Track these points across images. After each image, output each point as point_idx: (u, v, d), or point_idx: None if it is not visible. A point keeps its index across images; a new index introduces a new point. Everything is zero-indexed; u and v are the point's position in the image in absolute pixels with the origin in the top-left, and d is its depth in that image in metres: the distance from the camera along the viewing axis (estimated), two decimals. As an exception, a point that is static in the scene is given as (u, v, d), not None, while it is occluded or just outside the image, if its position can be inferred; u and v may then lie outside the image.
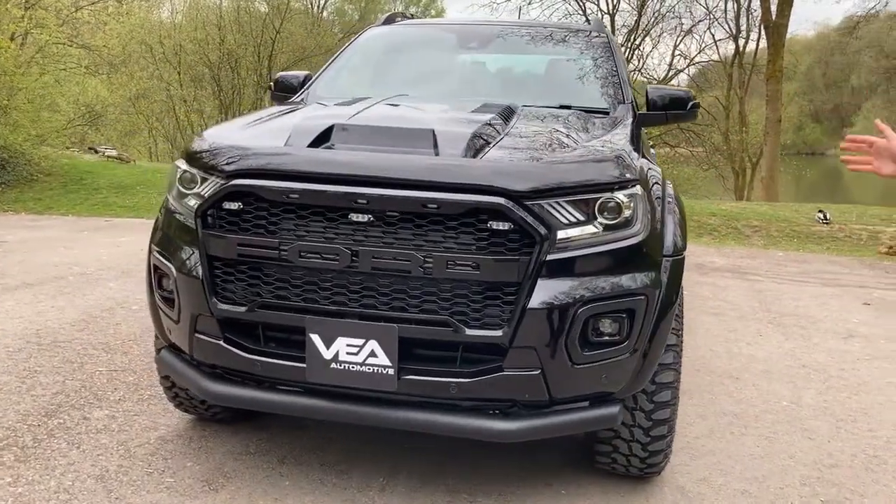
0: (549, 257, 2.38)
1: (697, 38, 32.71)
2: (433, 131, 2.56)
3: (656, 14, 26.07)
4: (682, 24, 27.14)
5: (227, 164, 2.58)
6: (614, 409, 2.60)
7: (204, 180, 2.68)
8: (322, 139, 2.59)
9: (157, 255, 2.81)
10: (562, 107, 3.56)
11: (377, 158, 2.45)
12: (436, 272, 2.36)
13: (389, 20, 4.63)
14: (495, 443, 3.24)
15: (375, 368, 2.42)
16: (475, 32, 4.33)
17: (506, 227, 2.36)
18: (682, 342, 2.90)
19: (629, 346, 2.53)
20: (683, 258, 2.76)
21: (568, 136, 2.87)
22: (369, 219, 2.41)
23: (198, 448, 3.25)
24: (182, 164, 2.82)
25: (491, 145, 2.61)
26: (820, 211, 11.85)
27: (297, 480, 3.01)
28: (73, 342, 4.60)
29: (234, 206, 2.53)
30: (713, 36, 28.36)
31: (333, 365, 2.44)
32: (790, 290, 7.29)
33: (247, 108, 30.83)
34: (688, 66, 28.33)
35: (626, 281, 2.51)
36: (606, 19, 25.56)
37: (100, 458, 3.11)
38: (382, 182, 2.40)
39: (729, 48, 29.49)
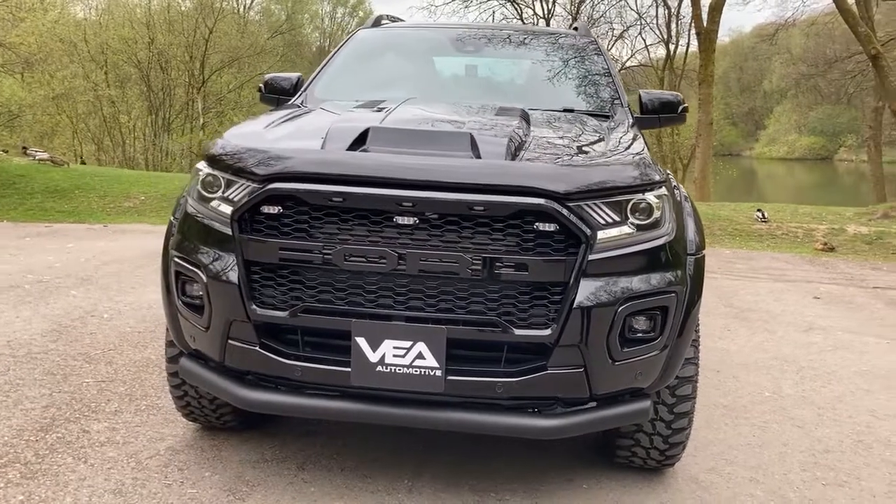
0: (592, 257, 2.44)
1: (629, 42, 33.65)
2: (471, 135, 2.59)
3: (590, 18, 26.68)
4: (614, 28, 27.91)
5: (261, 167, 2.54)
6: (646, 404, 2.69)
7: (231, 183, 2.63)
8: (358, 142, 2.59)
9: (180, 261, 2.74)
10: (565, 110, 3.63)
11: (423, 161, 2.46)
12: (484, 273, 2.39)
13: (377, 22, 4.63)
14: (516, 442, 3.33)
15: (423, 370, 2.43)
16: (468, 36, 4.38)
17: (552, 229, 2.41)
18: (699, 337, 3.01)
19: (661, 343, 2.62)
20: (704, 256, 2.87)
21: (589, 139, 2.94)
22: (415, 221, 2.42)
23: (212, 457, 3.18)
24: (204, 167, 2.76)
25: (526, 148, 2.65)
26: (758, 210, 12.37)
27: (322, 486, 2.98)
28: (49, 353, 4.41)
29: (273, 210, 2.50)
30: (644, 40, 29.28)
31: (379, 368, 2.44)
32: (745, 287, 7.60)
33: (177, 110, 30.04)
34: (620, 69, 29.07)
35: (658, 279, 2.60)
36: (542, 23, 26.00)
37: (112, 472, 3.01)
38: (428, 185, 2.42)
39: (660, 52, 30.47)
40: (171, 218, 3.04)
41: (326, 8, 63.26)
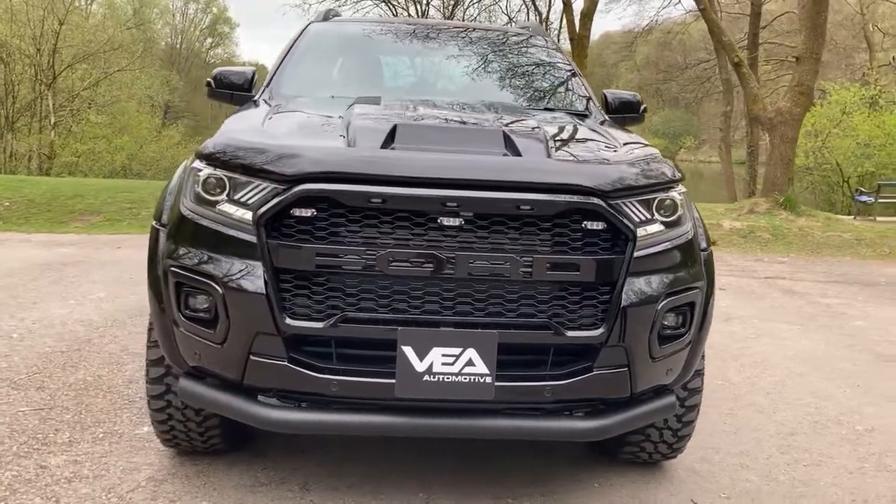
0: (636, 255, 2.43)
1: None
2: (503, 131, 2.51)
3: (463, 21, 27.07)
4: (486, 32, 28.41)
5: (285, 166, 2.33)
6: (673, 399, 2.72)
7: (243, 185, 2.40)
8: (388, 140, 2.44)
9: (181, 271, 2.47)
10: (546, 109, 3.62)
11: (467, 159, 2.35)
12: (536, 275, 2.32)
13: (327, 16, 4.42)
14: (517, 446, 3.28)
15: (473, 378, 2.32)
16: (430, 32, 4.27)
17: (600, 227, 2.38)
18: None
19: (688, 338, 2.66)
20: (712, 252, 2.94)
21: (600, 138, 2.94)
22: (460, 222, 2.31)
23: (202, 485, 2.90)
24: (203, 167, 2.50)
25: (555, 146, 2.60)
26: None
27: (335, 507, 2.80)
28: (-38, 380, 3.88)
29: (306, 213, 2.30)
30: (513, 45, 29.99)
31: (427, 377, 2.31)
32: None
33: (23, 106, 27.57)
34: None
35: (687, 275, 2.63)
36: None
37: (93, 511, 2.68)
38: (475, 184, 2.31)
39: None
40: (156, 224, 2.74)
41: (178, 3, 60.44)
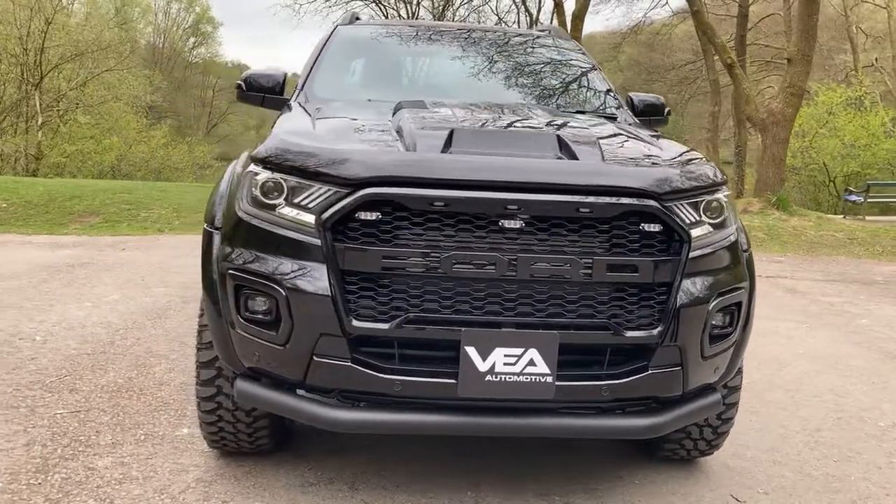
0: (691, 255, 2.49)
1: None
2: (557, 135, 2.56)
3: (453, 21, 27.14)
4: (476, 33, 28.48)
5: (349, 170, 2.37)
6: (718, 397, 2.78)
7: (303, 188, 2.44)
8: (446, 145, 2.48)
9: (241, 274, 2.50)
10: (580, 112, 3.68)
11: (529, 163, 2.40)
12: (595, 276, 2.37)
13: (353, 19, 4.46)
14: (554, 444, 3.33)
15: (534, 377, 2.37)
16: (456, 35, 4.31)
17: (656, 229, 2.44)
18: None
19: (734, 337, 2.72)
20: (752, 252, 3.01)
21: (645, 142, 2.99)
22: (521, 225, 2.36)
23: (253, 486, 2.92)
24: (260, 171, 2.54)
25: (607, 149, 2.65)
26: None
27: (386, 505, 2.83)
28: (-7, 383, 3.87)
29: (371, 216, 2.34)
30: (503, 45, 30.08)
31: (489, 377, 2.35)
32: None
33: (8, 106, 27.27)
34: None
35: (734, 275, 2.70)
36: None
37: (150, 512, 2.70)
38: (536, 187, 2.36)
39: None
40: (209, 227, 2.77)
41: (160, 2, 59.93)
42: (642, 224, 2.43)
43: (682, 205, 2.53)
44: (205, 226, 2.81)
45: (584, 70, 4.20)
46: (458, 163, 2.38)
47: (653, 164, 2.63)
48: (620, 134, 3.09)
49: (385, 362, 2.41)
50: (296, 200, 2.46)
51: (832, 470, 3.38)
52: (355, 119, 2.96)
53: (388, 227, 2.35)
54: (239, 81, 3.94)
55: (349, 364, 2.39)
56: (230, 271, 2.54)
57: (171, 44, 61.00)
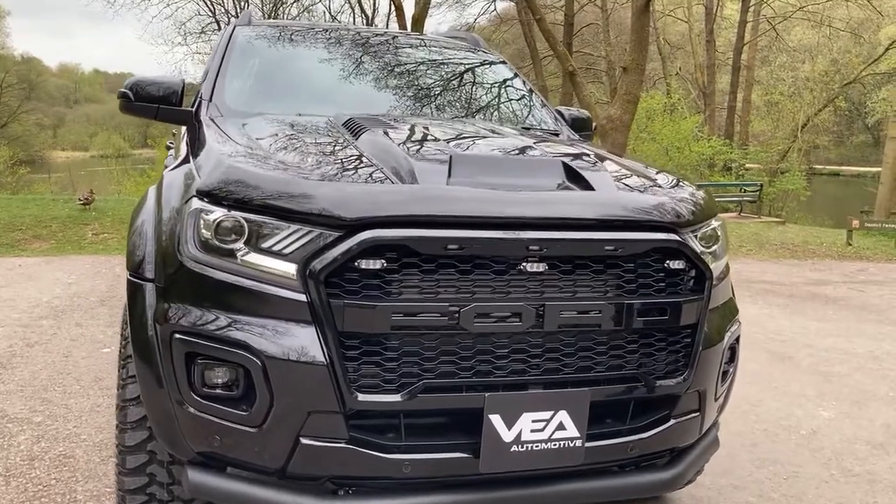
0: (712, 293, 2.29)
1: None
2: (562, 162, 2.27)
3: (286, 19, 26.14)
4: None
5: (339, 208, 1.92)
6: (716, 433, 2.63)
7: (274, 230, 1.96)
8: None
9: (196, 339, 1.97)
10: (525, 128, 3.41)
11: (551, 197, 2.08)
12: (626, 322, 2.10)
13: (248, 20, 3.87)
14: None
15: (563, 443, 2.05)
16: (366, 39, 3.87)
17: (681, 266, 2.20)
18: None
19: (733, 373, 2.58)
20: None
21: (623, 165, 2.76)
22: (544, 268, 2.04)
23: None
24: (211, 208, 2.02)
25: (614, 176, 2.38)
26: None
27: None
28: None
29: (374, 264, 1.90)
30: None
31: (514, 448, 2.01)
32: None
33: None
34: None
35: (733, 308, 2.55)
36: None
37: None
38: (557, 224, 2.05)
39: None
40: (134, 278, 2.20)
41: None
42: (668, 261, 2.19)
43: (692, 236, 2.32)
44: (128, 276, 2.22)
45: (515, 82, 3.94)
46: (473, 196, 2.01)
47: (665, 192, 2.38)
48: (599, 156, 2.85)
49: (390, 440, 1.99)
50: (264, 245, 1.98)
51: (787, 489, 3.36)
52: (309, 140, 2.49)
53: (395, 276, 1.93)
54: (124, 90, 3.24)
55: (345, 445, 1.95)
56: (177, 335, 2.00)
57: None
